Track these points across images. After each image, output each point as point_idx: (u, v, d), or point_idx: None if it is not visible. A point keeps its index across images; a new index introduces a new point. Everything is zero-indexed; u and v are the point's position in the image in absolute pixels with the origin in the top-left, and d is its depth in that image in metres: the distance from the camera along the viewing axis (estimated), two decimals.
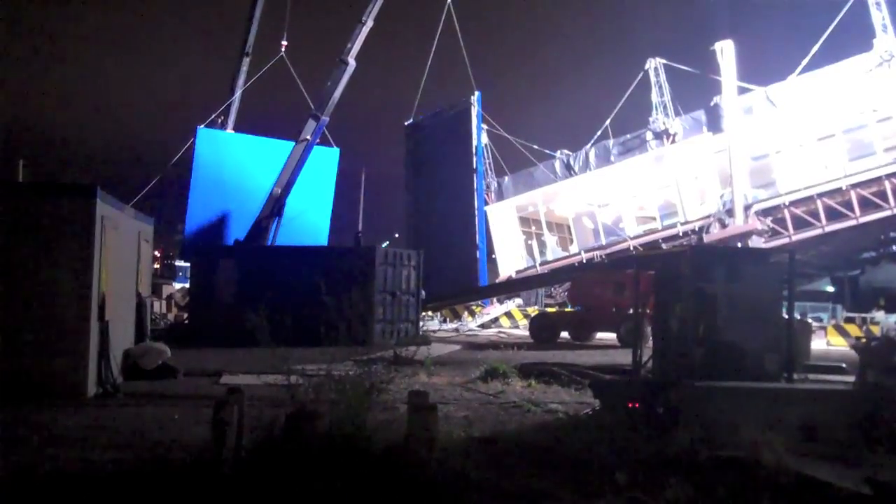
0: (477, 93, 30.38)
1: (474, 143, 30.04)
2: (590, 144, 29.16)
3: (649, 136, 27.68)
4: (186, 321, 22.59)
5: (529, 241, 31.41)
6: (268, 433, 5.74)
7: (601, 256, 28.00)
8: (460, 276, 28.83)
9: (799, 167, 24.55)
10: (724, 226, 25.08)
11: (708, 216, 25.87)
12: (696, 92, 28.37)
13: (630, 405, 7.76)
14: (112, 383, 10.05)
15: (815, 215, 24.12)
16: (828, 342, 21.96)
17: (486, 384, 11.38)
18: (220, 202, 27.95)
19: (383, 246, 24.53)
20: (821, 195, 23.93)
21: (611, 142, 28.73)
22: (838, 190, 23.65)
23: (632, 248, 26.85)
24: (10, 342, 9.27)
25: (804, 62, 24.27)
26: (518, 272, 30.03)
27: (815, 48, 24.08)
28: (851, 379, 9.49)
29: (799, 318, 14.80)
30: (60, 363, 9.39)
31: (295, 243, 23.94)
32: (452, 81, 37.84)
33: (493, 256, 30.83)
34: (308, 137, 24.50)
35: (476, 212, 29.72)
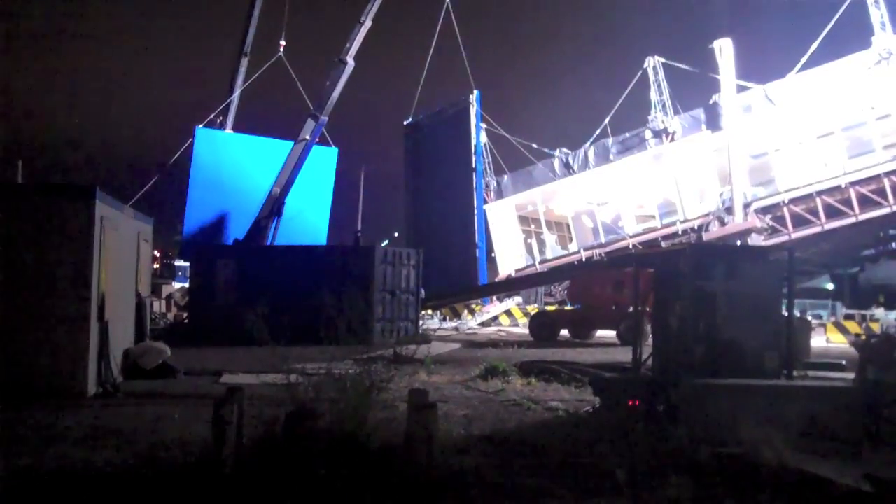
0: (476, 92, 30.46)
1: (473, 142, 30.08)
2: (589, 143, 29.19)
3: (648, 134, 27.71)
4: (186, 321, 22.63)
5: (529, 240, 31.44)
6: (268, 432, 5.74)
7: (600, 255, 28.02)
8: (460, 274, 28.87)
9: (798, 165, 24.58)
10: (723, 224, 25.11)
11: (707, 214, 25.91)
12: (695, 90, 28.46)
13: (630, 403, 7.77)
14: (112, 383, 10.05)
15: (815, 213, 24.16)
16: (827, 339, 21.97)
17: (485, 382, 11.38)
18: (219, 202, 27.96)
19: (383, 245, 24.55)
20: (820, 193, 23.97)
21: (610, 140, 28.76)
22: (837, 187, 23.70)
23: (631, 246, 26.87)
24: (10, 342, 9.27)
25: (803, 60, 24.38)
26: (517, 271, 30.06)
27: (814, 46, 24.17)
28: (851, 376, 9.48)
29: (798, 315, 14.82)
30: (60, 363, 9.39)
31: (294, 243, 23.94)
32: (451, 81, 37.80)
33: (493, 255, 30.88)
34: (307, 137, 24.50)
35: (475, 210, 29.77)
